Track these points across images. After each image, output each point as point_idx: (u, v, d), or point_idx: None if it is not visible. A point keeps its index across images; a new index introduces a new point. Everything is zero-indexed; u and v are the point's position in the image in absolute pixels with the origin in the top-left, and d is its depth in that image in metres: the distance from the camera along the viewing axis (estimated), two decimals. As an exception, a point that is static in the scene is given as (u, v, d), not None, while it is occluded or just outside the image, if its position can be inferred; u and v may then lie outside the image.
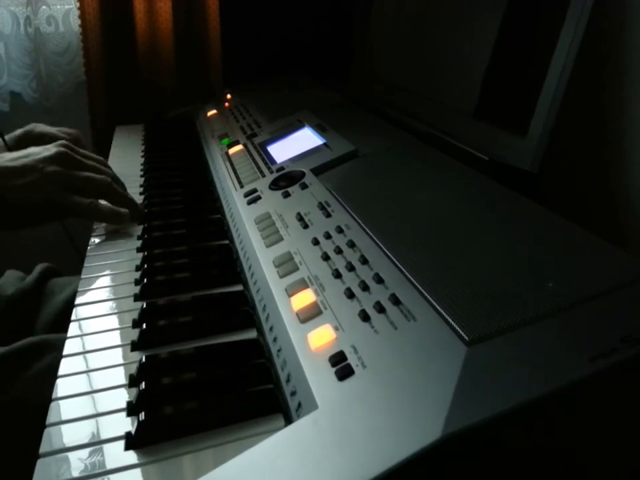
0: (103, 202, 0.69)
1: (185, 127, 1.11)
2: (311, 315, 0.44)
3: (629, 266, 0.41)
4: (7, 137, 0.77)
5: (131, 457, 0.38)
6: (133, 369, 0.45)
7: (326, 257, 0.49)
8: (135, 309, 0.53)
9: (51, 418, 0.41)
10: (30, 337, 0.60)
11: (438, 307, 0.39)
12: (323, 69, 1.21)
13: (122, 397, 0.43)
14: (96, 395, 0.43)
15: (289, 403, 0.40)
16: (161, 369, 0.45)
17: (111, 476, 0.36)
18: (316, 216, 0.56)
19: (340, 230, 0.52)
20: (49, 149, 0.65)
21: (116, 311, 0.54)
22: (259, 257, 0.55)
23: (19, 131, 0.79)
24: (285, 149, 0.77)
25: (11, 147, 0.74)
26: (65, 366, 0.46)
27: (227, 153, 0.85)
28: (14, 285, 0.76)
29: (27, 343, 0.58)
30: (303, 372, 0.39)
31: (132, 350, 0.48)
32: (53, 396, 0.43)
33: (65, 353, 0.48)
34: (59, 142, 0.67)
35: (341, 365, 0.38)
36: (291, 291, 0.47)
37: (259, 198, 0.66)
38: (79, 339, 0.50)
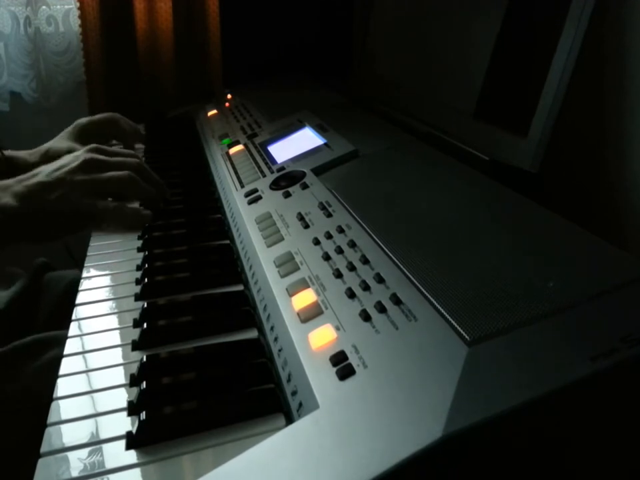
0: (130, 205, 0.68)
1: (185, 126, 1.11)
2: (311, 315, 0.44)
3: (629, 266, 0.41)
4: (83, 120, 0.88)
5: (131, 456, 0.38)
6: (134, 368, 0.45)
7: (327, 257, 0.49)
8: (136, 309, 0.53)
9: (51, 418, 0.41)
10: (31, 330, 0.60)
11: (439, 307, 0.39)
12: (323, 69, 1.21)
13: (122, 397, 0.43)
14: (96, 395, 0.43)
15: (290, 402, 0.40)
16: (162, 369, 0.45)
17: (110, 476, 0.36)
18: (317, 216, 0.56)
19: (341, 230, 0.52)
20: (78, 157, 0.66)
21: (116, 310, 0.54)
22: (260, 257, 0.55)
23: (97, 117, 0.90)
24: (285, 149, 0.77)
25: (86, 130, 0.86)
26: (65, 366, 0.46)
27: (227, 153, 0.85)
28: (14, 281, 0.78)
29: (30, 340, 0.59)
30: (304, 371, 0.39)
31: (133, 349, 0.48)
32: (54, 395, 0.43)
33: (65, 352, 0.48)
34: (88, 147, 0.69)
35: (341, 365, 0.38)
36: (291, 291, 0.48)
37: (259, 198, 0.66)
38: (79, 338, 0.50)
